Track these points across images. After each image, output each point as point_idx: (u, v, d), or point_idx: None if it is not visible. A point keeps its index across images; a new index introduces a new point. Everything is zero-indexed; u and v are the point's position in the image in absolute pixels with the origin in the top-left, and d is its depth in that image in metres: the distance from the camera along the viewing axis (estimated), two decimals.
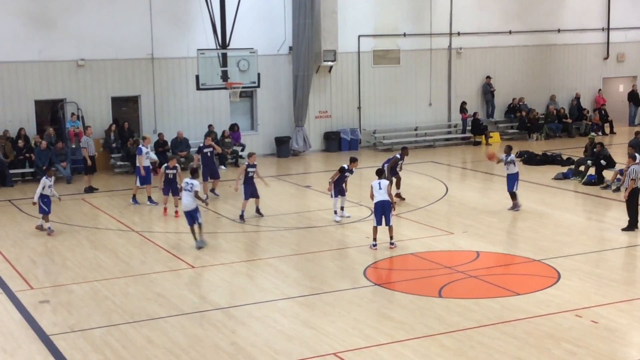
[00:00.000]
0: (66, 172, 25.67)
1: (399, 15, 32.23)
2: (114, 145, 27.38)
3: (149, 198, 21.96)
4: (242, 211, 20.09)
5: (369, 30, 31.75)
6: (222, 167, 27.98)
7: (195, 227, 17.56)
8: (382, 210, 17.12)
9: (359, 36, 31.49)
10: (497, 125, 34.32)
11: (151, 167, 22.46)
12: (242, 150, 28.98)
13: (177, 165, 20.72)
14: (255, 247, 17.69)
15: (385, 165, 21.65)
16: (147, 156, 22.04)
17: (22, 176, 26.08)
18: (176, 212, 20.43)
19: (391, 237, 17.26)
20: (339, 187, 19.83)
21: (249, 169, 20.07)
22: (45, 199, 18.85)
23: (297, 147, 30.37)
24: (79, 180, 25.25)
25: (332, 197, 20.00)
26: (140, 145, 22.46)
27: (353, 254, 17.11)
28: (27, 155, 25.86)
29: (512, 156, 20.83)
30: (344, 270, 15.95)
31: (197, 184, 17.49)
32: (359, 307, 13.62)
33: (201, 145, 23.18)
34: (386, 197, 17.14)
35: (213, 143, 23.53)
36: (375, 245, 17.24)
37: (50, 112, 28.21)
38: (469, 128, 33.17)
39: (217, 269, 16.08)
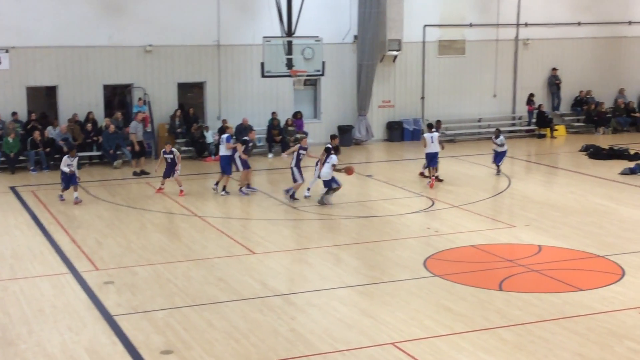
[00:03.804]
0: (131, 156, 26.11)
1: (465, 5, 31.91)
2: (178, 130, 27.75)
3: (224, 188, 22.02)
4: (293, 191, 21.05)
5: (435, 20, 31.50)
6: (284, 154, 28.12)
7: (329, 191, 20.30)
8: (432, 158, 22.27)
9: (425, 26, 31.28)
10: (563, 118, 33.76)
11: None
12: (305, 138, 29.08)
13: (173, 149, 21.82)
14: (315, 235, 17.79)
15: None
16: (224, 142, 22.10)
17: (89, 159, 26.62)
18: (181, 191, 21.65)
19: (436, 177, 22.44)
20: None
21: (301, 151, 20.98)
22: (62, 175, 20.90)
23: (360, 136, 30.37)
24: (145, 165, 25.59)
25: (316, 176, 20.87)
26: (226, 134, 22.29)
27: (413, 244, 17.08)
28: (95, 138, 26.40)
29: (502, 137, 23.94)
30: (404, 260, 15.93)
31: (335, 158, 20.22)
32: (418, 298, 13.61)
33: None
34: (438, 149, 22.28)
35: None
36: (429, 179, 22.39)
37: (116, 96, 28.73)
38: (534, 120, 32.72)
39: (278, 256, 16.23)
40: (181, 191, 21.73)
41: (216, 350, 11.49)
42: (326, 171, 20.24)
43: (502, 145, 23.99)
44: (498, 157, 24.23)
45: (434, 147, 22.37)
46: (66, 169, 20.84)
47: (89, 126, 26.42)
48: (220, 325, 12.39)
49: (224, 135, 22.35)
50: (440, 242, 17.08)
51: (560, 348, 11.48)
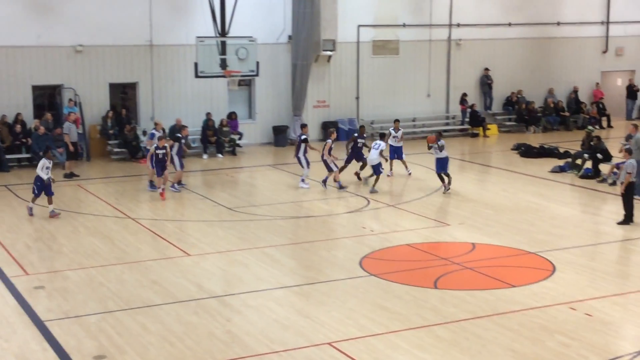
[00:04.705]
0: (62, 158, 25.57)
1: (398, 6, 32.15)
2: (111, 132, 27.33)
3: (150, 182, 22.12)
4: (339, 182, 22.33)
5: (369, 20, 31.67)
6: (219, 155, 27.99)
7: (373, 178, 21.89)
8: (397, 152, 23.89)
9: (359, 26, 31.41)
10: (495, 118, 34.29)
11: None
12: (240, 138, 28.94)
13: (166, 145, 21.27)
14: (251, 236, 17.70)
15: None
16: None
17: (18, 161, 26.01)
18: (163, 190, 21.22)
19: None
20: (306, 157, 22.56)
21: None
22: (38, 182, 19.04)
23: (295, 136, 30.32)
24: (76, 167, 25.15)
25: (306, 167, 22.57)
26: (152, 130, 22.41)
27: (349, 244, 17.12)
28: (24, 140, 25.81)
29: (442, 141, 21.79)
30: (340, 260, 15.96)
31: (383, 144, 21.96)
32: (354, 297, 13.64)
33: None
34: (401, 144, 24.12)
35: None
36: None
37: (47, 97, 28.16)
38: (467, 120, 33.16)
39: (213, 257, 16.09)
40: (163, 190, 21.16)
41: (151, 354, 11.33)
42: (374, 157, 21.75)
43: (442, 149, 21.64)
44: (440, 164, 21.85)
45: (397, 141, 24.18)
46: (44, 175, 18.87)
47: (18, 127, 25.81)
48: (154, 328, 12.22)
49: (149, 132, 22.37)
50: (375, 241, 17.15)
51: (493, 344, 11.63)
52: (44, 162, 19.15)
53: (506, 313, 12.84)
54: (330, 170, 22.24)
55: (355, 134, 23.61)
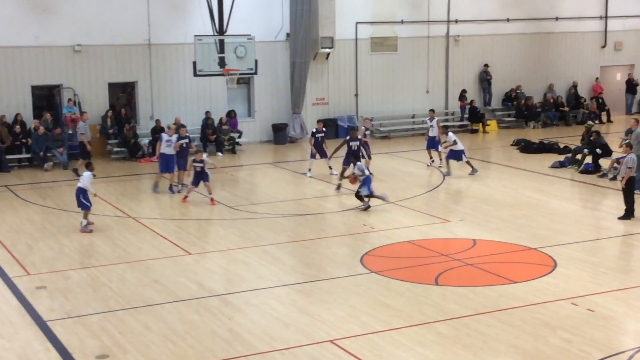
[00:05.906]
0: (63, 158, 25.64)
1: (396, 2, 32.13)
2: (110, 131, 27.33)
3: (170, 186, 21.81)
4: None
5: (367, 17, 31.66)
6: (219, 153, 27.98)
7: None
8: (432, 142, 25.01)
9: (357, 23, 31.40)
10: (495, 113, 34.30)
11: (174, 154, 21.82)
12: (239, 137, 28.94)
13: (204, 158, 20.44)
14: (251, 234, 17.70)
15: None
16: (167, 144, 21.55)
17: (18, 162, 26.03)
18: (211, 199, 20.43)
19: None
20: (319, 149, 23.56)
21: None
22: (86, 194, 17.90)
23: (294, 134, 30.35)
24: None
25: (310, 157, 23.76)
26: (162, 133, 22.24)
27: (350, 241, 17.12)
28: (24, 140, 25.81)
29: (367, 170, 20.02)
30: (341, 257, 15.96)
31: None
32: (355, 295, 13.64)
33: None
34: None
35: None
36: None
37: (46, 97, 28.17)
38: (466, 116, 33.15)
39: (214, 256, 16.10)
40: (212, 199, 20.40)
41: (153, 353, 11.34)
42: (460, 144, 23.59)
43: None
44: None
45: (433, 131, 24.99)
46: (92, 189, 17.92)
47: (18, 128, 25.83)
48: (156, 327, 12.23)
49: (175, 136, 21.86)
50: (376, 238, 17.15)
51: (495, 340, 11.64)
52: (91, 176, 18.03)
53: (508, 309, 12.84)
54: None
55: (347, 137, 22.75)
